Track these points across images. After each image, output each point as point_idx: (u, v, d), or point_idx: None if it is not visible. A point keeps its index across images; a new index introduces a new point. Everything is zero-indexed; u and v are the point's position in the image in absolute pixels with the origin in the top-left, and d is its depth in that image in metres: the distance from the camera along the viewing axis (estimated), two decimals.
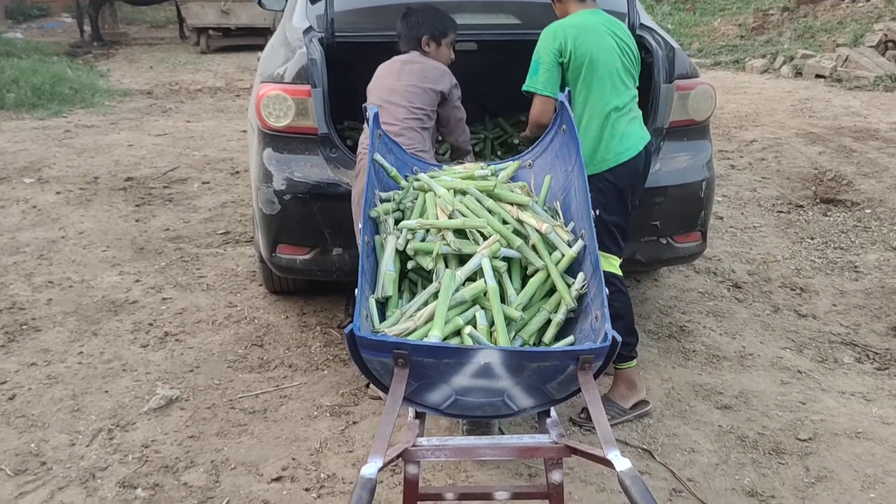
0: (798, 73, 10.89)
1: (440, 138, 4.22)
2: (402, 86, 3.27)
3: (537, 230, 2.55)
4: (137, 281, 4.48)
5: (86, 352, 3.73)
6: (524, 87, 3.16)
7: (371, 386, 3.33)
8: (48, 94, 9.13)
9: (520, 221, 2.61)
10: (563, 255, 2.52)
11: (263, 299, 4.27)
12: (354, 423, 3.23)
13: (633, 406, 3.27)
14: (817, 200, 5.93)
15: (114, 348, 3.76)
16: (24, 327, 3.94)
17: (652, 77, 3.56)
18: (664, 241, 3.67)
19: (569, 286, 2.49)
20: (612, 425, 2.62)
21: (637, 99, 3.27)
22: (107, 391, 3.42)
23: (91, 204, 5.73)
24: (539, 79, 3.12)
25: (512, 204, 2.68)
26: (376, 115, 2.90)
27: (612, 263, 3.14)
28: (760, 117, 8.54)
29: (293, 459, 3.01)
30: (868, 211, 5.68)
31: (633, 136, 3.16)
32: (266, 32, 12.66)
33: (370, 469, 1.94)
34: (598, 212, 2.82)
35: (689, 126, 3.66)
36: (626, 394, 3.27)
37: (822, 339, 3.95)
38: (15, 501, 2.76)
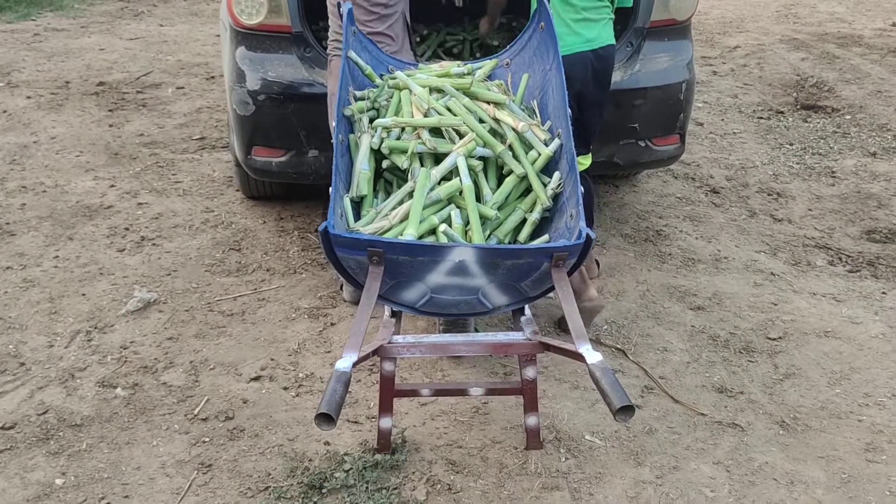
0: None
1: (418, 39, 4.14)
2: None
3: (514, 129, 2.53)
4: (112, 186, 4.43)
5: (62, 256, 3.71)
6: None
7: (345, 288, 3.35)
8: None
9: (496, 120, 2.58)
10: (540, 155, 2.50)
11: (240, 204, 4.24)
12: (332, 324, 3.26)
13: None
14: (798, 107, 5.90)
15: (90, 252, 3.74)
16: None
17: None
18: (643, 144, 3.66)
19: (544, 185, 2.49)
20: None
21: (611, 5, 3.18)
22: (84, 294, 3.41)
23: (63, 109, 5.61)
24: None
25: (488, 102, 2.64)
26: (350, 12, 2.83)
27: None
28: (744, 23, 8.42)
29: (272, 360, 3.04)
30: (848, 117, 5.67)
31: (575, 35, 3.09)
32: None
33: (345, 363, 1.97)
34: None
35: (671, 26, 3.60)
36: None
37: (797, 242, 3.99)
38: None
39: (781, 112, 5.81)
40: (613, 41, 3.17)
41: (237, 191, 4.33)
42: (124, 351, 3.07)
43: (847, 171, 4.79)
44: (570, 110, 2.52)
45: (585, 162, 3.22)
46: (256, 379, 2.93)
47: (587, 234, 2.17)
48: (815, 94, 6.15)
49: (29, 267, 3.61)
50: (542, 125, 2.61)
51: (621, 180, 4.58)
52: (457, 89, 2.67)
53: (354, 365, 1.99)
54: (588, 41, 3.09)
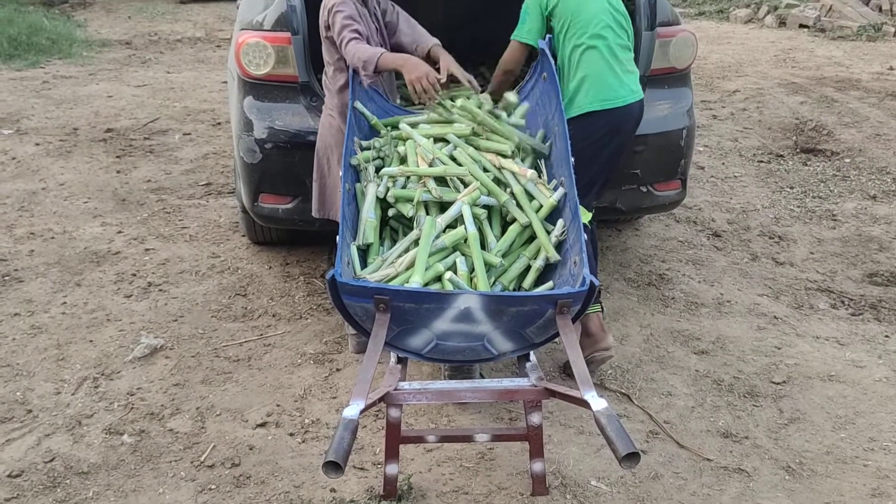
0: (782, 23, 10.85)
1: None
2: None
3: (517, 178, 2.58)
4: (120, 232, 4.48)
5: (69, 302, 3.74)
6: (512, 37, 3.14)
7: (350, 340, 3.36)
8: (25, 44, 8.97)
9: (500, 169, 2.63)
10: (543, 204, 2.55)
11: (246, 250, 4.28)
12: (338, 370, 3.27)
13: (589, 354, 3.11)
14: (798, 150, 5.96)
15: (97, 298, 3.78)
16: (6, 278, 3.94)
17: (633, 24, 3.55)
18: (644, 189, 3.70)
19: (548, 233, 2.52)
20: None
21: (632, 55, 3.24)
22: (91, 341, 3.44)
23: (71, 155, 5.68)
24: (524, 28, 3.12)
25: (496, 154, 2.69)
26: None
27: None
28: (743, 67, 8.53)
29: (277, 406, 3.05)
30: (847, 160, 5.72)
31: (614, 88, 3.11)
32: None
33: (352, 411, 1.99)
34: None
35: (670, 74, 3.67)
36: (584, 342, 3.11)
37: (799, 285, 4.02)
38: (2, 448, 2.79)
39: (781, 155, 5.87)
40: None
41: (243, 236, 4.37)
42: (131, 397, 3.08)
43: (848, 215, 4.83)
44: (572, 158, 2.56)
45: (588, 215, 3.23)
46: (262, 425, 2.94)
47: (591, 281, 2.20)
48: (815, 137, 6.22)
49: (37, 313, 3.64)
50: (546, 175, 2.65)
51: (623, 224, 4.62)
52: (460, 137, 2.72)
53: (361, 412, 2.01)
54: (633, 92, 3.14)
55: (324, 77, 3.17)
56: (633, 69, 3.20)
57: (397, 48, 3.14)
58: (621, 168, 3.52)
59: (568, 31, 3.08)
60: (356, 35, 2.88)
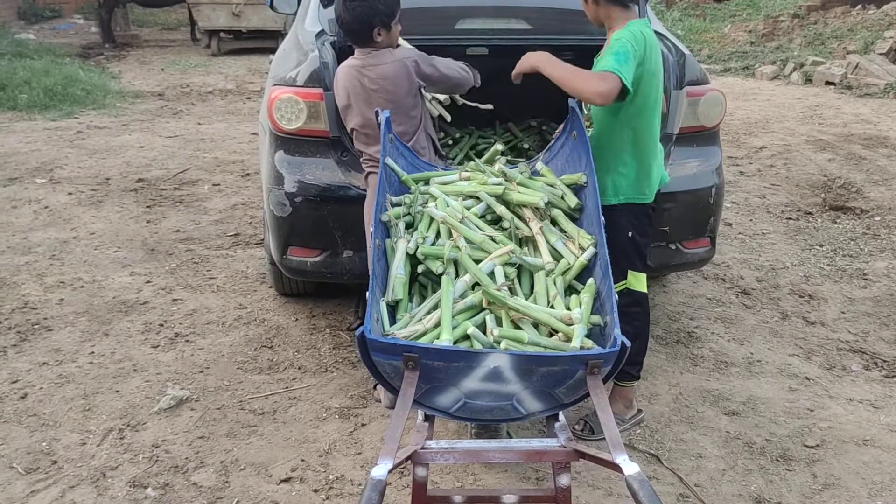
0: (808, 80, 10.87)
1: (451, 142, 4.24)
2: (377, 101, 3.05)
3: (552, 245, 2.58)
4: (148, 282, 4.51)
5: (97, 352, 3.75)
6: (607, 67, 2.71)
7: (383, 395, 3.35)
8: (60, 95, 9.18)
9: (524, 222, 2.64)
10: (572, 264, 2.54)
11: (273, 301, 4.30)
12: (363, 425, 3.25)
13: (631, 417, 3.28)
14: (826, 207, 5.93)
15: (125, 348, 3.79)
16: (35, 327, 3.97)
17: (663, 83, 3.57)
18: (673, 247, 3.68)
19: (578, 291, 2.51)
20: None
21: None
22: (118, 391, 3.44)
23: (102, 205, 5.76)
24: (627, 68, 2.71)
25: (526, 206, 2.70)
26: (388, 120, 2.92)
27: (641, 281, 3.12)
28: (770, 124, 8.54)
29: (302, 461, 3.02)
30: (877, 218, 5.67)
31: (648, 185, 3.06)
32: (277, 35, 12.72)
33: (380, 471, 1.96)
34: (630, 234, 2.94)
35: (699, 132, 3.67)
36: (624, 410, 3.27)
37: (831, 346, 3.95)
38: (26, 500, 2.78)
39: (810, 213, 5.83)
40: None
41: (270, 288, 4.39)
42: (156, 449, 3.07)
43: (879, 274, 4.77)
44: (602, 217, 2.56)
45: (644, 279, 3.19)
46: (287, 480, 2.91)
47: (622, 342, 2.17)
48: (843, 195, 6.18)
49: (65, 363, 3.65)
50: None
51: (651, 280, 4.57)
52: (491, 195, 2.72)
53: (389, 472, 1.98)
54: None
55: (357, 143, 3.21)
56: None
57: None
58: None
59: (643, 106, 2.88)
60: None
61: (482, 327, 2.38)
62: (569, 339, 2.32)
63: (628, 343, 2.18)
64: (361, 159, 3.23)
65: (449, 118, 3.55)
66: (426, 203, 2.76)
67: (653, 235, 3.25)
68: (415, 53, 3.09)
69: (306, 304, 4.24)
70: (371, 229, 2.60)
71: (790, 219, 5.73)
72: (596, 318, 2.40)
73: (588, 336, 2.42)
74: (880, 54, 10.82)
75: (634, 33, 2.79)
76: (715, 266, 4.81)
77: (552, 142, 3.07)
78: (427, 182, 2.91)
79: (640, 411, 3.31)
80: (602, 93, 2.66)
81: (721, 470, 3.02)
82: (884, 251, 5.13)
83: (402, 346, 2.15)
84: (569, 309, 2.42)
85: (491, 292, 2.38)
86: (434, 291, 2.55)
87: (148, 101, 9.73)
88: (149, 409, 3.32)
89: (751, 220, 5.70)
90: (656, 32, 3.69)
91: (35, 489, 2.83)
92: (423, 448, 2.25)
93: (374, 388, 3.41)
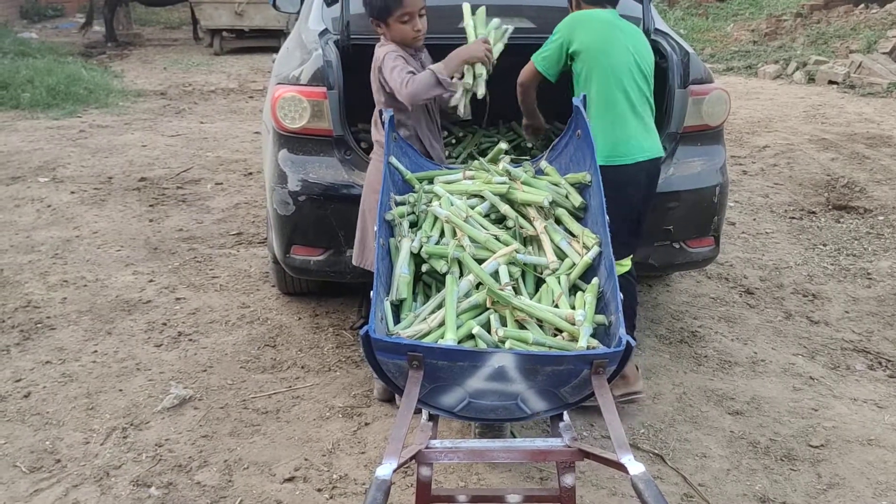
0: (811, 80, 10.86)
1: (454, 141, 4.23)
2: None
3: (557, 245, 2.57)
4: (151, 281, 4.51)
5: (100, 350, 3.75)
6: (532, 56, 3.25)
7: (375, 386, 3.36)
8: (63, 94, 9.19)
9: (528, 221, 2.63)
10: (577, 263, 2.53)
11: (276, 300, 4.29)
12: (366, 424, 3.24)
13: (622, 395, 3.23)
14: (830, 207, 5.92)
15: (128, 347, 3.79)
16: (38, 326, 3.97)
17: (666, 82, 3.57)
18: (677, 246, 3.68)
19: (582, 291, 2.50)
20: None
21: (654, 110, 3.27)
22: (121, 390, 3.44)
23: (105, 204, 5.76)
24: (542, 53, 3.21)
25: (530, 206, 2.69)
26: (391, 119, 2.91)
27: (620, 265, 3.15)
28: (773, 123, 8.53)
29: (305, 460, 3.02)
30: (881, 218, 5.66)
31: (623, 143, 3.14)
32: (279, 34, 12.73)
33: (385, 470, 1.95)
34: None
35: (704, 131, 3.67)
36: (618, 383, 3.19)
37: (835, 345, 3.95)
38: (30, 498, 2.78)
39: (813, 212, 5.82)
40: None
41: (273, 287, 4.38)
42: (159, 448, 3.07)
43: (883, 273, 4.76)
44: (608, 217, 2.55)
45: (626, 264, 3.25)
46: (290, 480, 2.91)
47: (627, 342, 2.16)
48: (847, 194, 6.17)
49: (68, 361, 3.65)
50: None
51: (654, 280, 4.58)
52: (495, 194, 2.71)
53: (394, 471, 1.98)
54: (645, 150, 3.16)
55: (373, 129, 3.20)
56: (651, 126, 3.22)
57: None
58: (654, 224, 3.51)
59: (589, 78, 3.12)
60: (412, 72, 2.96)
61: (487, 327, 2.37)
62: (573, 339, 2.31)
63: (633, 342, 2.18)
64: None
65: (464, 114, 3.48)
66: (430, 202, 2.75)
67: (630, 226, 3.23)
68: (391, 52, 3.05)
69: (309, 303, 4.24)
70: (375, 228, 2.59)
71: (793, 218, 5.72)
72: (601, 318, 2.39)
73: (592, 335, 2.42)
74: (883, 53, 10.80)
75: (566, 20, 3.20)
76: (718, 265, 4.80)
77: (556, 140, 3.06)
78: (431, 181, 2.91)
79: (637, 392, 3.27)
80: (520, 77, 3.30)
81: (725, 470, 3.01)
82: (887, 250, 5.12)
83: (406, 345, 2.14)
84: (573, 308, 2.41)
85: (495, 291, 2.38)
86: (438, 291, 2.54)
87: (150, 99, 9.73)
88: (152, 408, 3.32)
89: (754, 219, 5.70)
90: (658, 30, 3.69)
91: (38, 488, 2.83)
92: (427, 447, 2.24)
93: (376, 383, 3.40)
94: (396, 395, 3.26)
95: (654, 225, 3.52)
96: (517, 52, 3.26)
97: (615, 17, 3.23)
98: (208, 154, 7.19)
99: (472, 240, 2.56)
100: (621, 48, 3.15)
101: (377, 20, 3.08)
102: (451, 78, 2.98)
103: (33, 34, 14.91)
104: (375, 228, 2.57)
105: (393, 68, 2.98)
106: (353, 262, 3.24)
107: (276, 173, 3.51)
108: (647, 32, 3.62)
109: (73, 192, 5.98)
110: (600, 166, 2.72)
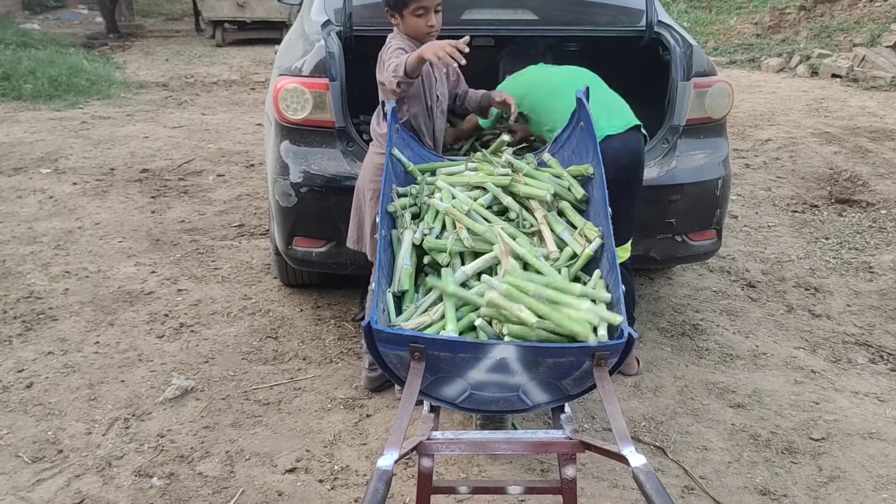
0: (814, 73, 10.84)
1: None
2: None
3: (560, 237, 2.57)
4: (153, 272, 4.51)
5: (102, 341, 3.76)
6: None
7: (363, 375, 3.37)
8: (65, 85, 9.19)
9: (531, 213, 2.63)
10: (579, 255, 2.52)
11: (278, 292, 4.30)
12: (368, 416, 3.25)
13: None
14: (832, 200, 5.91)
15: (130, 338, 3.79)
16: (41, 316, 3.97)
17: (669, 74, 3.56)
18: (679, 239, 3.67)
19: (584, 283, 2.50)
20: None
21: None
22: (123, 381, 3.45)
23: (107, 195, 5.76)
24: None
25: (532, 199, 2.68)
26: (394, 110, 2.91)
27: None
28: (776, 116, 8.51)
29: (307, 451, 3.02)
30: (883, 212, 5.66)
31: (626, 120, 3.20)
32: (281, 26, 12.73)
33: (387, 461, 1.95)
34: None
35: (706, 124, 3.66)
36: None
37: (836, 339, 3.95)
38: (32, 488, 2.78)
39: (816, 206, 5.82)
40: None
41: (275, 278, 4.39)
42: (161, 439, 3.07)
43: (885, 267, 4.76)
44: (609, 208, 2.55)
45: (624, 254, 3.25)
46: (292, 471, 2.91)
47: (629, 334, 2.16)
48: (850, 187, 6.16)
49: (70, 352, 3.65)
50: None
51: (656, 273, 4.58)
52: (497, 186, 2.71)
53: (396, 462, 1.98)
54: (612, 126, 3.15)
55: (373, 120, 3.19)
56: (618, 107, 3.23)
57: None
58: (656, 217, 3.51)
59: (541, 124, 3.30)
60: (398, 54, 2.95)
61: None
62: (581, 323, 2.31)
63: (635, 335, 2.18)
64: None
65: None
66: (432, 194, 2.75)
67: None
68: (396, 48, 3.04)
69: (311, 295, 4.24)
70: (377, 217, 2.59)
71: (796, 211, 5.71)
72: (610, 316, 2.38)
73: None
74: (887, 47, 10.78)
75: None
76: (720, 258, 4.80)
77: (558, 133, 3.05)
78: (433, 173, 2.91)
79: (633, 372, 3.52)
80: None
81: (726, 462, 3.01)
82: (890, 244, 5.11)
83: (408, 336, 2.14)
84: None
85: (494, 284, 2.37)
86: None
87: (152, 91, 9.72)
88: (154, 398, 3.33)
89: (756, 212, 5.69)
90: (662, 23, 3.69)
91: (41, 478, 2.83)
92: (428, 439, 2.25)
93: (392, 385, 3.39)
94: (397, 387, 3.26)
95: (655, 218, 3.51)
96: (516, 44, 3.26)
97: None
98: (210, 146, 7.19)
99: (472, 232, 2.56)
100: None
101: (392, 10, 3.07)
102: (416, 76, 2.94)
103: (35, 25, 14.91)
104: (377, 220, 2.57)
105: (389, 59, 2.98)
106: (349, 245, 3.25)
107: (278, 165, 3.51)
108: (650, 25, 3.61)
109: (75, 184, 5.98)
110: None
